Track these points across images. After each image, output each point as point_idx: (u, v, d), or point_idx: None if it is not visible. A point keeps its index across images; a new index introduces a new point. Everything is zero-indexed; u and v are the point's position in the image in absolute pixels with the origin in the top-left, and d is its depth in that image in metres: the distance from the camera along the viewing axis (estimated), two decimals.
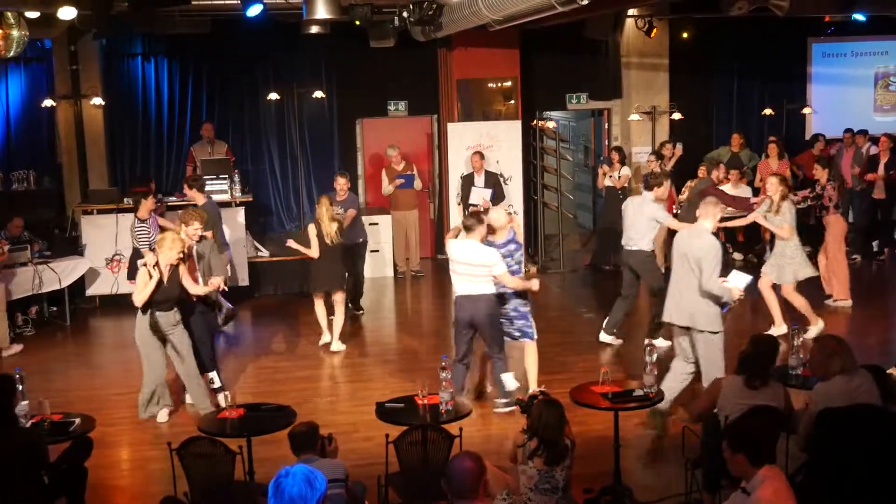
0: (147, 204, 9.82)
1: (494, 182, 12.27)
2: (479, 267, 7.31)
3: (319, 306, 9.76)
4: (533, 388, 7.71)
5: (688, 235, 7.13)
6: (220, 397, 7.87)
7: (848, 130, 13.76)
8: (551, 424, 5.08)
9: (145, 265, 7.24)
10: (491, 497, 4.40)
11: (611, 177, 12.81)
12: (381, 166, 13.29)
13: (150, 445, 7.12)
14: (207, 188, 10.48)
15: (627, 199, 10.18)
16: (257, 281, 12.16)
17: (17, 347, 9.87)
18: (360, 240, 10.99)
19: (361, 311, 11.08)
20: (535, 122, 13.77)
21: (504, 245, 7.61)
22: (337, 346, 9.56)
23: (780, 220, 9.27)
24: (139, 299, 7.25)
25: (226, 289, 8.05)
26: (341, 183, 10.72)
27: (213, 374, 8.03)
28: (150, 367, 7.55)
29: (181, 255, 7.32)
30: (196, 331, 7.79)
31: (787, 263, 9.29)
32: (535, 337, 7.81)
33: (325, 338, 9.74)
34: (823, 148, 13.88)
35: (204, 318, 7.96)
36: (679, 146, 13.64)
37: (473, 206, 11.97)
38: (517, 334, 7.73)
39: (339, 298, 9.52)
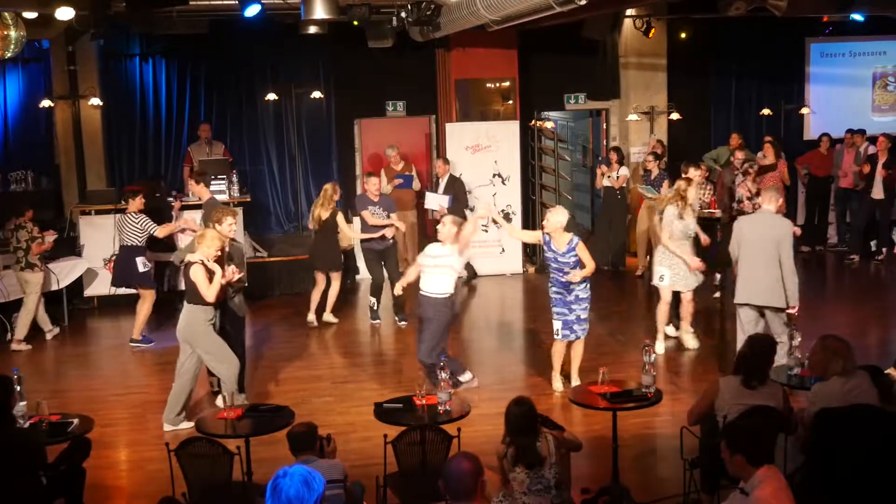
0: (135, 203, 9.88)
1: (457, 188, 12.12)
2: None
3: (317, 288, 10.46)
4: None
5: (759, 221, 7.66)
6: (219, 399, 7.84)
7: (849, 131, 13.78)
8: (513, 423, 5.07)
9: (201, 263, 7.14)
10: (487, 499, 4.38)
11: (609, 177, 12.81)
12: (380, 166, 13.28)
13: (149, 446, 7.11)
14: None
15: None
16: (255, 281, 12.12)
17: (26, 346, 9.97)
18: (391, 241, 10.44)
19: (403, 321, 10.40)
20: (533, 122, 13.77)
21: (566, 253, 7.70)
22: (328, 317, 10.51)
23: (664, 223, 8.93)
24: (212, 294, 7.10)
25: (245, 284, 7.93)
26: (374, 182, 10.58)
27: (214, 379, 7.99)
28: (224, 358, 7.30)
29: (219, 253, 7.29)
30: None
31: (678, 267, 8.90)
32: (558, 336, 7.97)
33: (309, 317, 10.47)
34: (829, 147, 13.91)
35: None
36: (653, 137, 13.70)
37: (433, 211, 11.99)
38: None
39: (334, 276, 10.40)
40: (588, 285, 7.85)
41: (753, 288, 7.56)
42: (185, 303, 7.37)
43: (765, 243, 7.46)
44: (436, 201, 11.90)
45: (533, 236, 8.15)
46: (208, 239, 7.24)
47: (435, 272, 7.70)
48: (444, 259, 7.69)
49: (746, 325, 7.61)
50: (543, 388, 8.11)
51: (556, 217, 7.75)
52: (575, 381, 7.94)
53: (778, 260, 7.41)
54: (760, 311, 7.61)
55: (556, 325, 7.92)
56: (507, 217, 12.83)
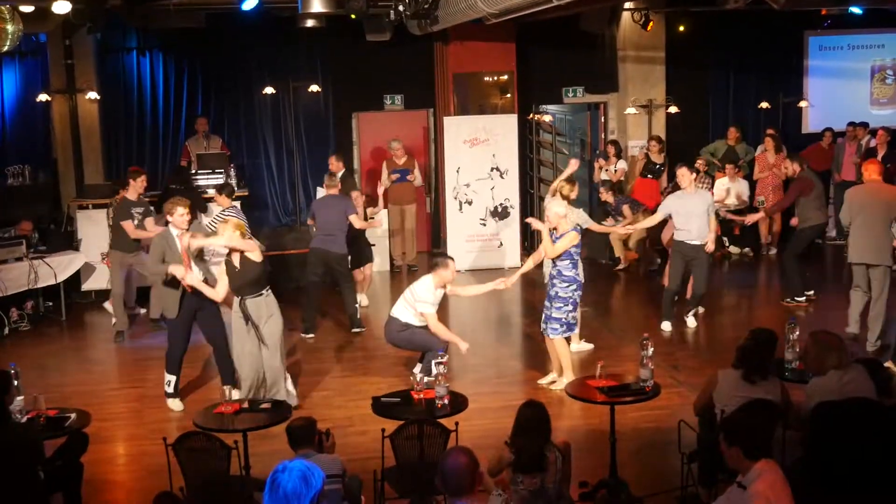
0: (225, 198, 10.11)
1: (347, 186, 11.43)
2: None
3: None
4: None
5: (868, 190, 8.52)
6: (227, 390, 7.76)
7: (851, 123, 13.76)
8: (521, 423, 5.01)
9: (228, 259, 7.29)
10: (486, 490, 4.38)
11: (607, 170, 12.80)
12: (378, 160, 13.26)
13: (146, 440, 7.11)
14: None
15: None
16: None
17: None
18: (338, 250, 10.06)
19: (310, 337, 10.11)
20: (531, 115, 13.75)
21: (556, 241, 7.72)
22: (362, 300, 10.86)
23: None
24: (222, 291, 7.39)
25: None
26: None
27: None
28: (243, 358, 7.31)
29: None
30: (214, 327, 7.81)
31: None
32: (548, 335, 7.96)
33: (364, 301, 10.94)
34: (831, 142, 13.88)
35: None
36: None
37: None
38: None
39: (366, 271, 11.03)
40: (572, 287, 7.76)
41: (864, 248, 8.43)
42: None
43: (875, 208, 8.35)
44: None
45: (558, 242, 7.99)
46: (230, 228, 7.26)
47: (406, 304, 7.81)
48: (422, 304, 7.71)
49: (858, 282, 8.61)
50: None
51: (554, 208, 7.79)
52: (566, 380, 7.66)
53: (884, 223, 8.31)
54: (868, 269, 8.47)
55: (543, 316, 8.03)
56: (505, 211, 12.83)
